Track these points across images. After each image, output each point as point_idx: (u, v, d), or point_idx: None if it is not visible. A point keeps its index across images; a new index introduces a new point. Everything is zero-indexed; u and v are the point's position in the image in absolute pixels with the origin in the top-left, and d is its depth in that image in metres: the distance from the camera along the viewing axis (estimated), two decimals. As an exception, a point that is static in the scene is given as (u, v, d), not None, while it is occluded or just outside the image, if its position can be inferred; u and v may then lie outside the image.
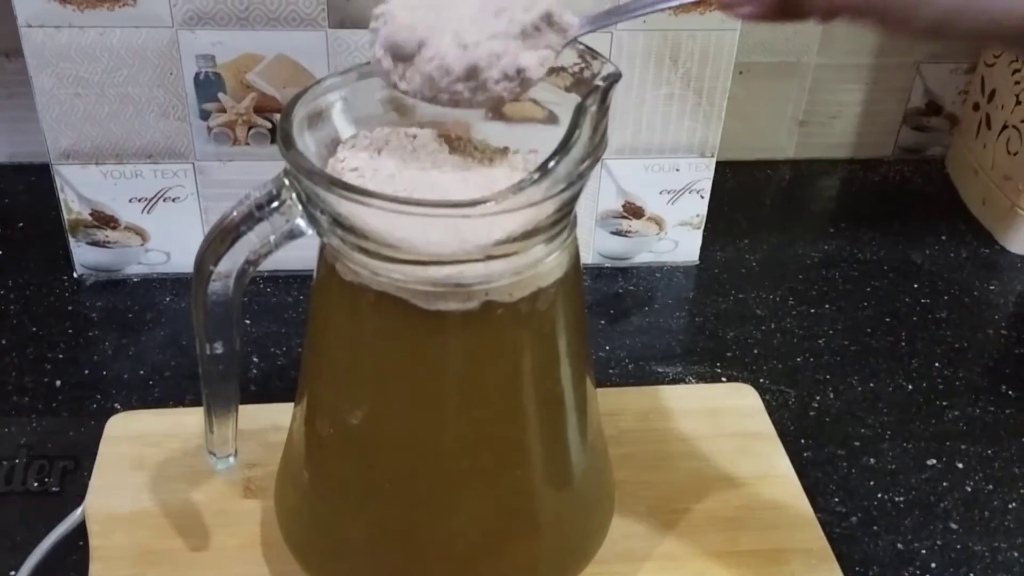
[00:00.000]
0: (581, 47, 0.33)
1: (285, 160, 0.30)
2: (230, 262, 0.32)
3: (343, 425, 0.34)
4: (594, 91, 0.31)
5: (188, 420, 0.47)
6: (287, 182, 0.32)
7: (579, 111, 0.30)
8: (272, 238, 0.32)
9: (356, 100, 0.34)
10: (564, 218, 0.33)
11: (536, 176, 0.29)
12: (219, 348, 0.34)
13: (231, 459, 0.37)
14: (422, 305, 0.32)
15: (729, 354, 0.57)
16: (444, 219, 0.30)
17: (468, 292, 0.32)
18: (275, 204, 0.32)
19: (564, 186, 0.31)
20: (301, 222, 0.32)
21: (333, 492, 0.36)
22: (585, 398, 0.37)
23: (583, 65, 0.33)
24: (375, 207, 0.29)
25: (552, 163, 0.30)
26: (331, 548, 0.37)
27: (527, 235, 0.31)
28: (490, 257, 0.31)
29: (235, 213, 0.32)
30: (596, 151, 0.32)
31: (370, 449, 0.34)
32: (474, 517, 0.35)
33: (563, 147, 0.30)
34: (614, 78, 0.32)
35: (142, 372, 0.53)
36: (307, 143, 0.32)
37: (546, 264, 0.33)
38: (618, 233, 0.62)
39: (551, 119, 0.36)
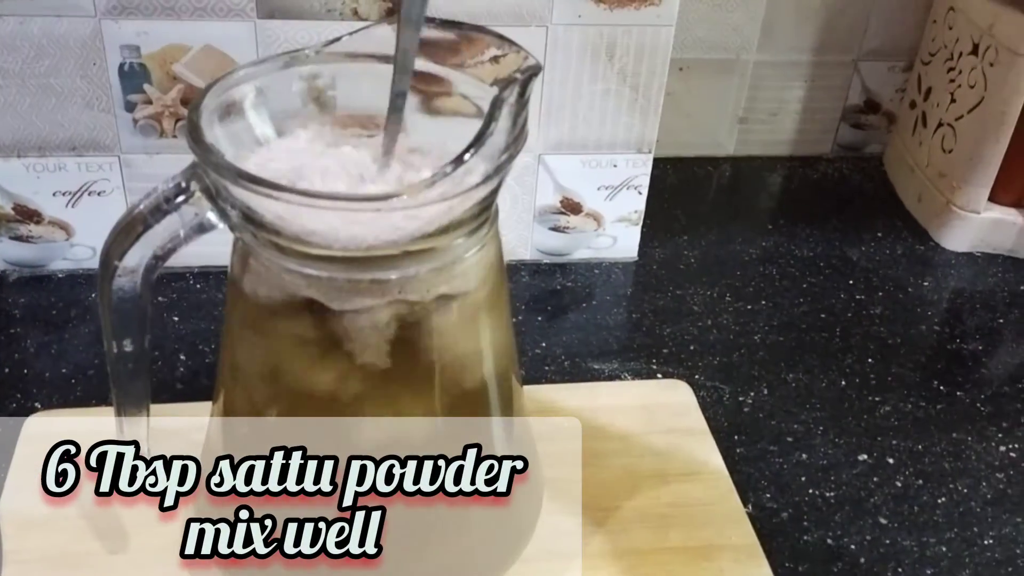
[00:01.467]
0: (502, 39, 0.32)
1: (193, 153, 0.30)
2: (137, 257, 0.31)
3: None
4: (512, 83, 0.30)
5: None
6: (196, 175, 0.31)
7: (495, 104, 0.30)
8: (182, 232, 0.31)
9: (273, 92, 0.34)
10: (483, 212, 0.32)
11: (450, 169, 0.29)
12: (128, 346, 0.33)
13: (144, 461, 0.36)
14: (334, 305, 0.31)
15: (665, 351, 0.56)
16: (357, 213, 0.29)
17: (383, 288, 0.31)
18: (183, 197, 0.31)
19: (481, 179, 0.30)
20: (212, 215, 0.31)
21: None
22: (511, 396, 0.37)
23: (501, 56, 0.32)
24: (284, 201, 0.28)
25: (466, 156, 0.29)
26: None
27: (444, 230, 0.31)
28: (406, 253, 0.31)
29: (142, 206, 0.31)
30: (515, 144, 0.31)
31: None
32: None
33: (477, 140, 0.29)
34: (533, 71, 0.31)
35: (64, 370, 0.51)
36: (218, 135, 0.31)
37: (466, 260, 0.32)
38: (556, 229, 0.61)
39: (479, 113, 0.35)
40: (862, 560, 0.45)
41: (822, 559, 0.45)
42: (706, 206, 0.71)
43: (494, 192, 0.32)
